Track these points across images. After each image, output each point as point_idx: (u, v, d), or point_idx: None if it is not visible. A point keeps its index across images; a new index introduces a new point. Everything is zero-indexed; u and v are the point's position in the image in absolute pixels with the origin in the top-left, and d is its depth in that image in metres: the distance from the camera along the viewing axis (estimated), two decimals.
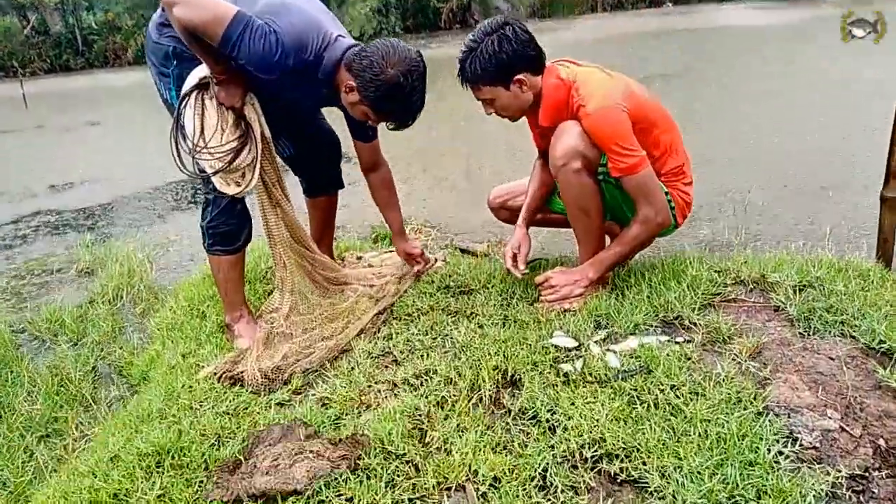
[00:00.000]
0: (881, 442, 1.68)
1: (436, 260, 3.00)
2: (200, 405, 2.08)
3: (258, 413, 2.03)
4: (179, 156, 2.18)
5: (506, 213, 2.90)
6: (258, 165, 2.24)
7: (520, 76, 2.22)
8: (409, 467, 1.71)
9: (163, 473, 1.78)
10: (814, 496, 1.52)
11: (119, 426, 2.08)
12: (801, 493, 1.53)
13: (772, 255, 2.66)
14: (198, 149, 2.14)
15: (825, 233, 3.25)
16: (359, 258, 3.12)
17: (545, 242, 3.51)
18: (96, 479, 1.81)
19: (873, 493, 1.57)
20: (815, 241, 3.14)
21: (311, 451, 1.74)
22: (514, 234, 2.62)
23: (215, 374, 2.21)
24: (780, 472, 1.58)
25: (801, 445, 1.67)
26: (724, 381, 1.87)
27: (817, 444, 1.69)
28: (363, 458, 1.72)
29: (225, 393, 2.13)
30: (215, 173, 2.16)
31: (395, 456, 1.73)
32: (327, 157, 2.81)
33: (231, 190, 2.20)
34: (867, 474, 1.61)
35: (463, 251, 3.76)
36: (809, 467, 1.62)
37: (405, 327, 2.45)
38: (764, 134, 5.39)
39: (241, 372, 2.18)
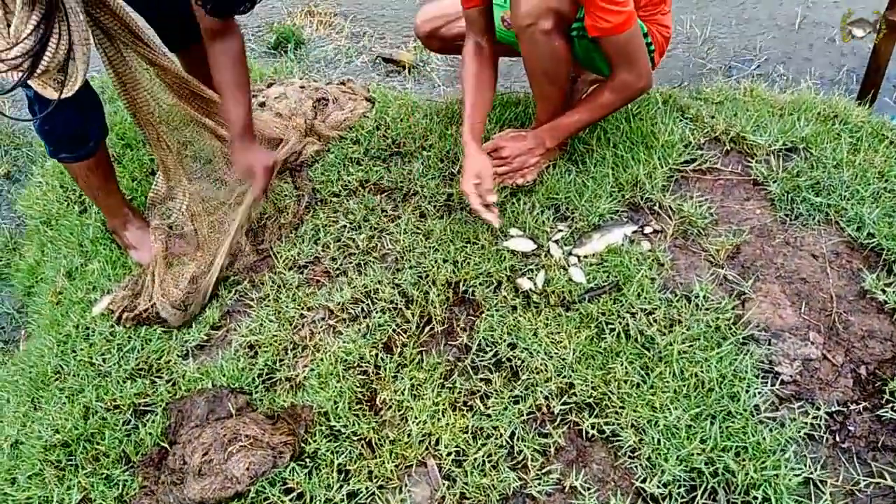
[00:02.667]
0: (862, 370, 1.59)
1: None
2: (103, 360, 1.77)
3: (174, 365, 1.74)
4: None
5: (438, 43, 2.35)
6: (86, 49, 1.59)
7: None
8: (362, 446, 1.52)
9: (77, 471, 1.54)
10: (794, 451, 1.44)
11: (11, 388, 1.77)
12: (780, 446, 1.45)
13: (747, 87, 2.32)
14: None
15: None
16: (262, 104, 2.57)
17: None
18: None
19: (850, 430, 1.51)
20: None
21: (246, 436, 1.52)
22: (466, 158, 1.92)
23: (112, 311, 1.86)
24: (759, 423, 1.48)
25: (781, 382, 1.56)
26: (701, 301, 1.68)
27: (797, 377, 1.58)
28: (308, 442, 1.52)
29: (129, 339, 1.81)
30: (15, 86, 1.52)
31: (345, 436, 1.53)
32: None
33: (52, 94, 1.58)
34: (845, 409, 1.53)
35: (386, 60, 3.20)
36: (789, 407, 1.53)
37: (333, 217, 2.08)
38: None
39: (146, 310, 1.83)
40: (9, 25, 1.37)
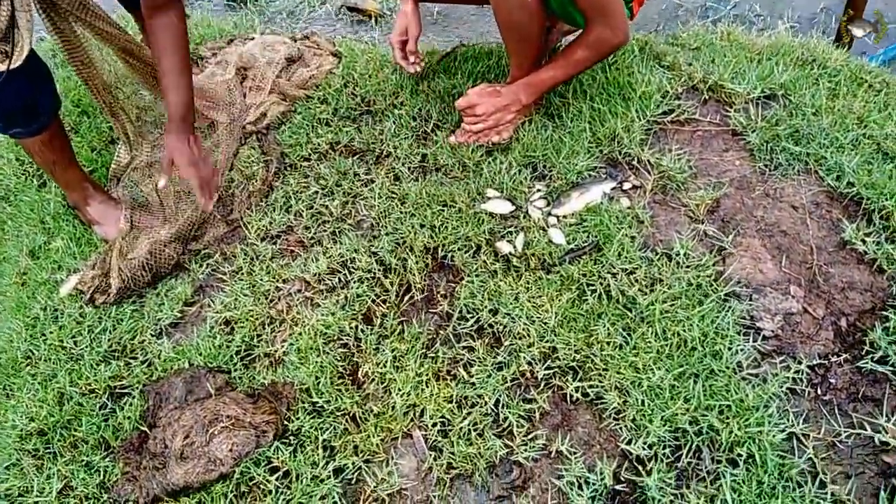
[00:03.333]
0: (843, 322, 1.59)
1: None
2: (75, 342, 1.72)
3: (148, 345, 1.70)
4: None
5: None
6: (30, 16, 1.48)
7: None
8: (347, 421, 1.51)
9: (56, 459, 1.51)
10: (776, 407, 1.45)
11: None
12: (763, 402, 1.46)
13: (723, 31, 2.25)
14: None
15: None
16: (220, 63, 2.44)
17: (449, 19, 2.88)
18: None
19: (831, 383, 1.52)
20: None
21: (227, 416, 1.49)
22: (399, 15, 2.11)
23: (82, 292, 1.79)
24: (741, 380, 1.49)
25: (762, 337, 1.57)
26: (682, 259, 1.66)
27: (779, 332, 1.58)
28: (291, 420, 1.50)
29: (100, 319, 1.75)
30: None
31: (328, 411, 1.51)
32: None
33: None
34: (826, 362, 1.54)
35: (351, 9, 3.08)
36: (770, 363, 1.54)
37: (304, 183, 2.01)
38: None
39: (120, 289, 1.77)
40: None
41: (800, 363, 1.53)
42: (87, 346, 1.70)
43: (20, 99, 1.66)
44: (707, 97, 2.02)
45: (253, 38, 2.53)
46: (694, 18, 2.67)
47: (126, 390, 1.62)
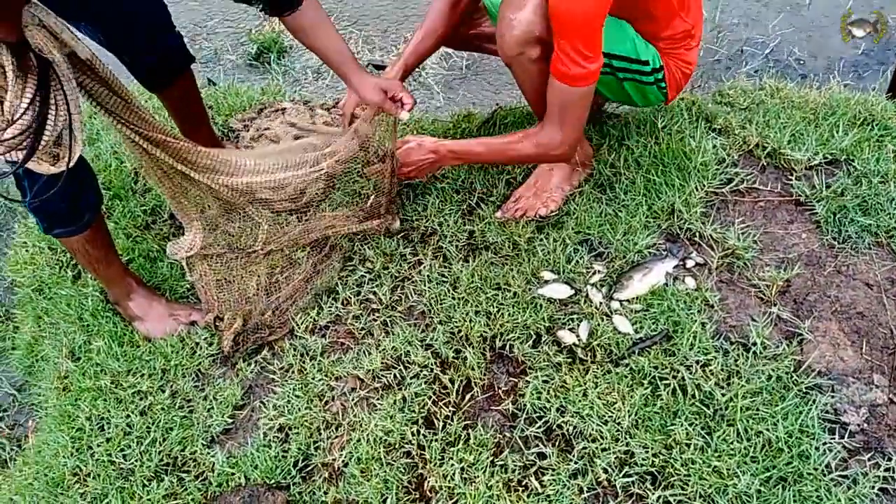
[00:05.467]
0: None
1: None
2: (124, 456, 1.64)
3: (200, 456, 1.62)
4: None
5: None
6: (83, 118, 1.43)
7: None
8: None
9: None
10: None
11: (28, 495, 1.65)
12: None
13: (772, 86, 2.18)
14: None
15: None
16: (258, 137, 2.38)
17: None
18: None
19: None
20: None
21: None
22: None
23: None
24: (831, 482, 1.41)
25: (849, 433, 1.48)
26: (759, 350, 1.58)
27: (864, 426, 1.50)
28: None
29: (148, 430, 1.68)
30: (17, 168, 1.35)
31: None
32: (150, 23, 1.90)
33: (47, 169, 1.41)
34: None
35: (378, 67, 3.01)
36: (859, 460, 1.46)
37: (349, 266, 1.95)
38: None
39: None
40: (1, 103, 1.20)
41: (889, 459, 1.45)
42: (136, 461, 1.63)
43: (64, 200, 1.60)
44: (765, 164, 1.94)
45: (284, 108, 2.47)
46: (733, 68, 2.59)
47: None
